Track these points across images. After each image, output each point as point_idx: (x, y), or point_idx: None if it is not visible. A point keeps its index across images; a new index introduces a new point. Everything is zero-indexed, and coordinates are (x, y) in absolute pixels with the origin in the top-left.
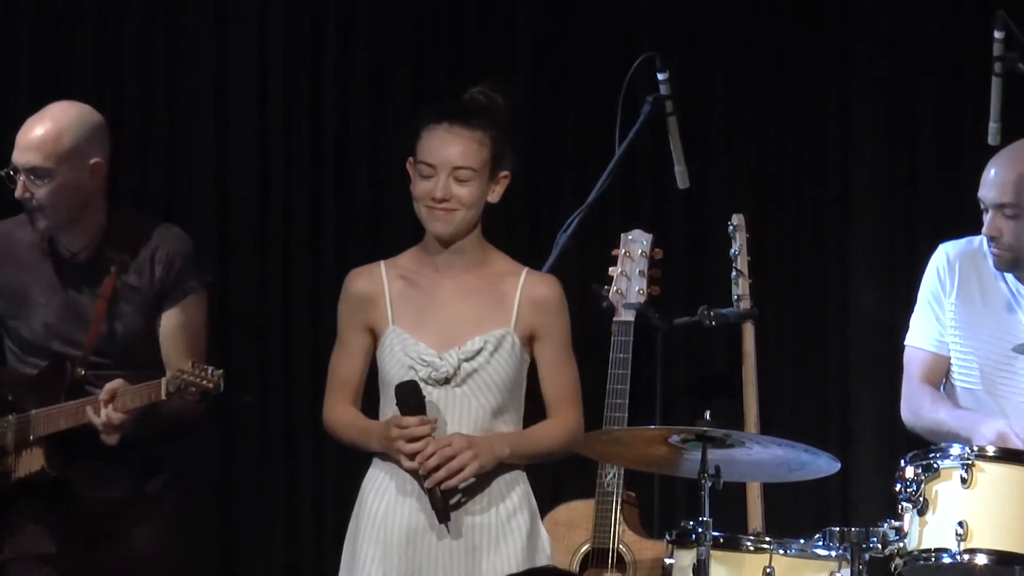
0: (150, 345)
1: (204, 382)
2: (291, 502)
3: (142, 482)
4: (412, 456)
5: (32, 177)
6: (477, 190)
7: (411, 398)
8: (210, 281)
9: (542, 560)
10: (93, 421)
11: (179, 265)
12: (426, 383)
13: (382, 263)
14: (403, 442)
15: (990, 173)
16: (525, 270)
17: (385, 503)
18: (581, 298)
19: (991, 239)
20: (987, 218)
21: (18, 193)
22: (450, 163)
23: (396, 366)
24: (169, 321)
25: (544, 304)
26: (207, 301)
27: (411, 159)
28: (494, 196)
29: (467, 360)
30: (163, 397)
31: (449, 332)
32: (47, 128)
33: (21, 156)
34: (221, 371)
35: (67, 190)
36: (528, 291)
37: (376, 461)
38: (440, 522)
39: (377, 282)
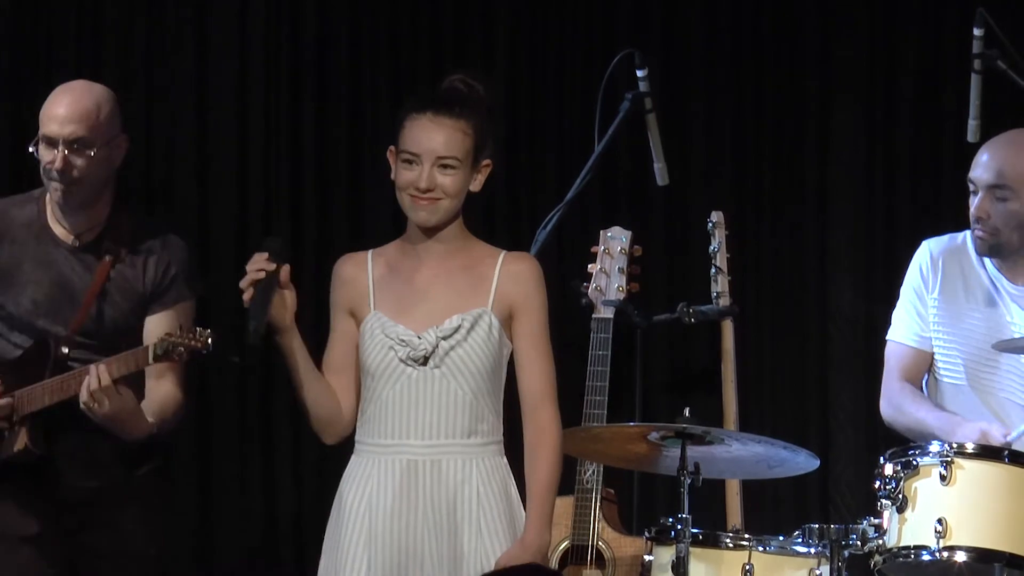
0: (132, 339)
1: (192, 342)
2: (269, 487)
3: (128, 470)
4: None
5: (75, 146)
6: (461, 180)
7: (269, 245)
8: (201, 293)
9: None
10: (84, 384)
11: (175, 271)
12: (405, 364)
13: (370, 251)
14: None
15: (983, 156)
16: (504, 252)
17: (367, 492)
18: (561, 295)
19: (977, 220)
20: (976, 200)
21: (58, 165)
22: (435, 153)
23: (376, 348)
24: (156, 323)
25: (520, 276)
26: (193, 310)
27: (392, 148)
28: (476, 185)
29: (445, 338)
30: (150, 362)
31: (429, 315)
32: (86, 100)
33: (62, 127)
34: (209, 331)
35: (102, 164)
36: (506, 268)
37: (356, 451)
38: (240, 359)
39: (362, 268)
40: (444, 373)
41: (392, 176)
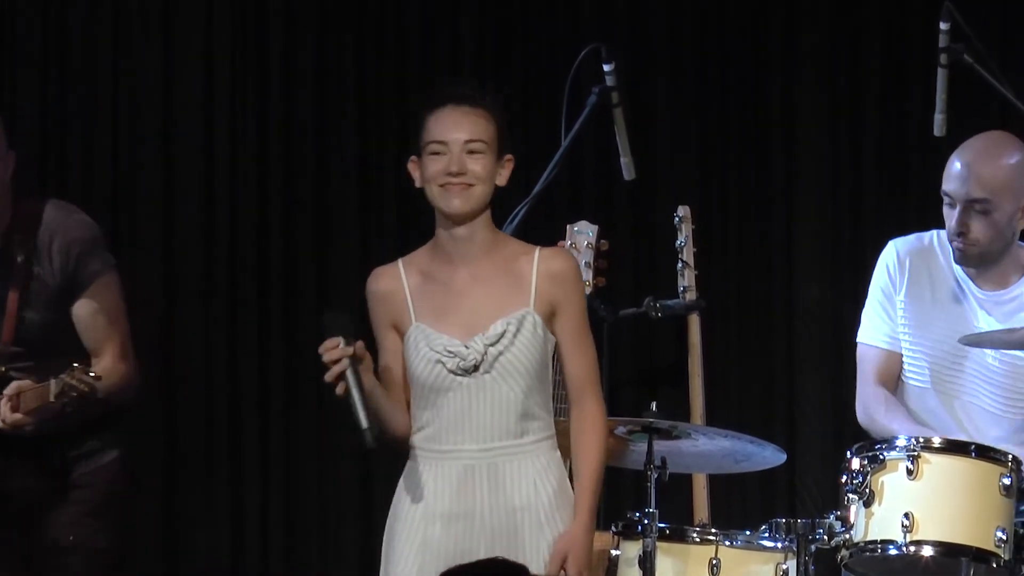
0: (65, 334)
1: (81, 386)
2: (237, 495)
3: (64, 470)
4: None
5: None
6: (489, 165)
7: (333, 322)
8: (114, 262)
9: None
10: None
11: (77, 252)
12: (455, 374)
13: (400, 261)
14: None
15: (958, 167)
16: (538, 248)
17: (424, 499)
18: None
19: (958, 234)
20: (955, 213)
21: None
22: (462, 138)
23: (422, 362)
24: (83, 309)
25: (560, 276)
26: (116, 282)
27: (413, 158)
28: (501, 179)
29: (492, 345)
30: (51, 400)
31: (471, 321)
32: None
33: None
34: (95, 374)
35: (5, 197)
36: (544, 267)
37: (412, 456)
38: (364, 445)
39: (396, 280)
40: (495, 377)
41: (418, 184)
